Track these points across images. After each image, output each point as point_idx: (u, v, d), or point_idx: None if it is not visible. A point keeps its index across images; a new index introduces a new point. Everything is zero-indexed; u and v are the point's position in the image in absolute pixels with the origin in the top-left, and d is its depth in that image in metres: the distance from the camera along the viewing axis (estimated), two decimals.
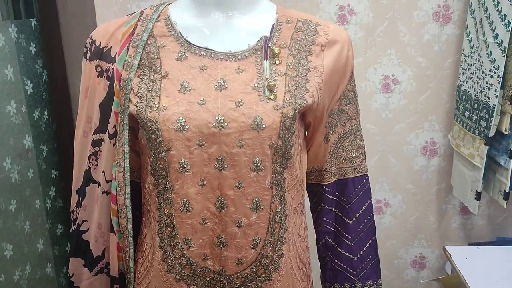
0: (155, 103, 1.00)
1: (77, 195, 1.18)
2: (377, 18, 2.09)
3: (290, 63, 1.04)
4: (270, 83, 0.99)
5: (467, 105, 1.99)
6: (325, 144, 1.17)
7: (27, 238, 1.97)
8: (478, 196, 1.96)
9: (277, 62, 1.04)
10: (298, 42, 1.07)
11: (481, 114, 1.87)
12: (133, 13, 1.13)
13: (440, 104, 2.19)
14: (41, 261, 2.08)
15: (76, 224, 1.17)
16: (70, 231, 1.20)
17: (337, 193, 1.20)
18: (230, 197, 1.01)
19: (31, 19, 2.06)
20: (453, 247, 1.76)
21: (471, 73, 1.96)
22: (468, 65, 1.99)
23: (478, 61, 1.90)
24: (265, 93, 0.99)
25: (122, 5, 2.13)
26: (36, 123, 2.08)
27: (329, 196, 1.20)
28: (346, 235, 1.19)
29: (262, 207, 1.02)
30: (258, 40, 1.05)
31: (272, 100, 0.99)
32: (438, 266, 2.42)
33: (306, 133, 1.14)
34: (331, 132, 1.16)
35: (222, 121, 0.97)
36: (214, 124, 0.98)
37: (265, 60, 1.03)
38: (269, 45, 1.05)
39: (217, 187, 1.00)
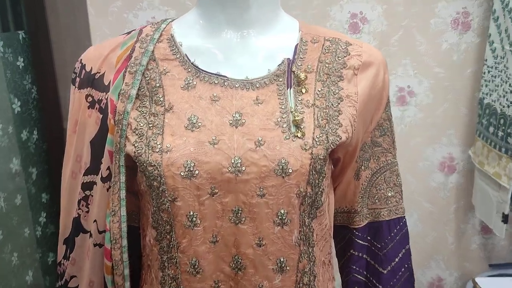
0: (157, 142, 0.81)
1: (64, 245, 0.99)
2: (392, 26, 1.96)
3: (319, 91, 0.86)
4: (296, 117, 0.81)
5: (491, 120, 1.82)
6: (355, 182, 0.98)
7: (14, 270, 1.78)
8: (505, 218, 1.79)
9: (303, 90, 0.85)
10: (326, 65, 0.88)
11: (509, 130, 1.71)
12: (131, 32, 0.94)
13: (459, 117, 2.05)
14: None
15: (64, 280, 0.98)
16: (57, 286, 1.00)
17: (369, 238, 1.01)
18: (248, 257, 0.82)
19: (19, 32, 1.86)
20: (484, 279, 1.58)
21: (495, 86, 1.79)
22: (492, 76, 1.82)
23: (504, 72, 1.73)
24: (290, 129, 0.81)
25: (118, 15, 1.96)
26: (25, 144, 1.89)
27: (360, 242, 1.01)
28: (380, 287, 1.00)
29: (287, 268, 0.83)
30: (280, 64, 0.87)
31: (299, 138, 0.81)
32: None
33: (333, 167, 0.95)
34: (362, 167, 0.98)
35: (239, 165, 0.79)
36: (229, 168, 0.79)
37: (289, 89, 0.85)
38: (293, 69, 0.86)
39: (232, 245, 0.82)
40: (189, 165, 0.79)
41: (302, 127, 0.82)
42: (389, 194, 1.00)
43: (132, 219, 0.94)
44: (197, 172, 0.79)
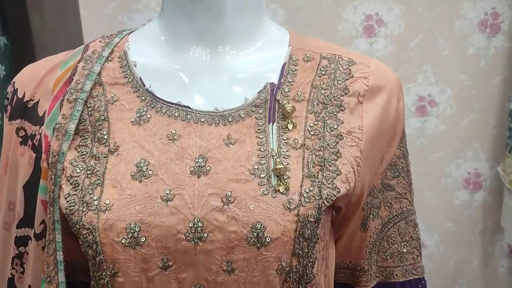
0: (94, 197, 0.61)
1: None
2: (411, 29, 1.78)
3: (311, 126, 0.66)
4: (278, 165, 0.60)
5: None
6: (362, 233, 0.78)
7: None
8: None
9: (290, 126, 0.65)
10: (322, 91, 0.68)
11: None
12: (77, 48, 0.74)
13: (486, 130, 1.88)
14: None
15: None
16: None
17: None
18: None
19: (0, 37, 1.68)
20: None
21: None
22: None
23: None
24: (270, 181, 0.60)
25: (112, 17, 1.84)
26: None
27: None
28: None
29: None
30: (261, 91, 0.67)
31: (281, 193, 0.60)
32: None
33: (334, 213, 0.74)
34: (371, 216, 0.77)
35: (199, 230, 0.59)
36: (186, 234, 0.59)
37: (271, 124, 0.64)
38: (278, 98, 0.66)
39: None
40: (133, 230, 0.59)
41: (285, 177, 0.61)
42: (404, 250, 0.79)
43: (78, 271, 0.74)
44: (143, 239, 0.59)
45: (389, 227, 0.78)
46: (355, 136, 0.67)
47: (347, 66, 0.70)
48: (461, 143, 1.89)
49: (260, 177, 0.61)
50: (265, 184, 0.61)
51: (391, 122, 0.71)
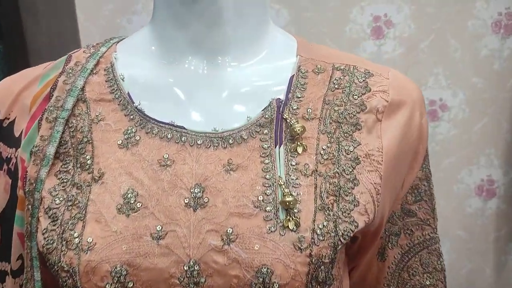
0: (75, 233, 0.53)
1: None
2: (421, 30, 1.71)
3: (324, 149, 0.57)
4: (287, 197, 0.51)
5: None
6: (379, 263, 0.70)
7: None
8: None
9: (300, 149, 0.56)
10: (336, 108, 0.60)
11: None
12: (58, 59, 0.65)
13: (500, 134, 1.81)
14: None
15: None
16: None
17: None
18: None
19: None
20: None
21: None
22: None
23: None
24: (277, 215, 0.52)
25: (109, 19, 1.76)
26: None
27: None
28: None
29: None
30: (266, 108, 0.58)
31: (291, 230, 0.52)
32: None
33: (349, 243, 0.65)
34: (389, 245, 0.69)
35: (196, 274, 0.51)
36: (181, 279, 0.52)
37: (278, 147, 0.55)
38: (285, 116, 0.57)
39: None
40: (119, 274, 0.51)
41: (295, 211, 0.52)
42: (427, 283, 0.70)
43: None
44: (131, 284, 0.51)
45: (409, 256, 0.69)
46: (373, 160, 0.58)
47: (364, 79, 0.62)
48: (473, 149, 1.83)
49: (266, 210, 0.53)
50: (272, 219, 0.52)
51: (414, 141, 0.63)
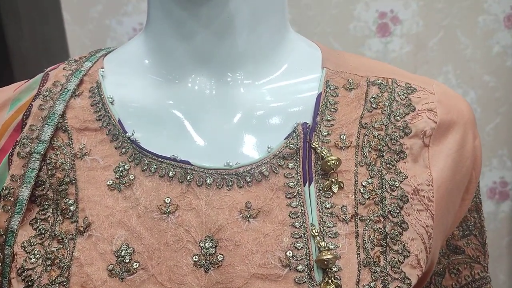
0: None
1: None
2: (430, 27, 1.66)
3: (364, 186, 0.46)
4: (324, 254, 0.40)
5: None
6: None
7: None
8: None
9: (335, 187, 0.45)
10: (376, 133, 0.49)
11: None
12: (32, 79, 0.54)
13: None
14: None
15: None
16: None
17: None
18: None
19: None
20: None
21: None
22: None
23: None
24: (311, 276, 0.41)
25: (98, 21, 1.68)
26: None
27: None
28: None
29: None
30: (289, 136, 0.47)
31: None
32: None
33: None
34: (432, 287, 0.59)
35: None
36: None
37: (306, 185, 0.44)
38: (314, 145, 0.46)
39: None
40: None
41: (335, 270, 0.41)
42: None
43: None
44: None
45: None
46: (423, 196, 0.47)
47: (406, 95, 0.51)
48: (485, 150, 1.75)
49: (297, 270, 0.42)
50: (305, 282, 0.41)
51: (467, 169, 0.52)
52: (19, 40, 1.55)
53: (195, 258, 0.43)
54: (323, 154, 0.46)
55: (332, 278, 0.41)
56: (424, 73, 1.67)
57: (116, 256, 0.43)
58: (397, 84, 0.52)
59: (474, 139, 0.53)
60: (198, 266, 0.42)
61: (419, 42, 1.65)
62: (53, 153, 0.48)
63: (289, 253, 0.42)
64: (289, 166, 0.46)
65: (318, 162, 0.46)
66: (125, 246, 0.43)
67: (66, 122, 0.50)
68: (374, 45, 1.61)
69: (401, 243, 0.45)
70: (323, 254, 0.41)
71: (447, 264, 0.58)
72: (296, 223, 0.44)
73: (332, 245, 0.43)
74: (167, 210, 0.44)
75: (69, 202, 0.46)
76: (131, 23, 1.65)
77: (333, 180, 0.45)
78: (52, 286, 0.43)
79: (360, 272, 0.43)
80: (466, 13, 1.63)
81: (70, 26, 1.65)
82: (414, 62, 1.67)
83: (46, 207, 0.47)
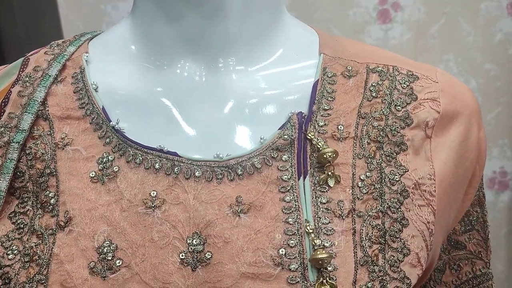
0: None
1: None
2: (431, 14, 1.63)
3: (362, 180, 0.44)
4: (319, 253, 0.38)
5: None
6: None
7: None
8: None
9: (332, 181, 0.42)
10: (375, 123, 0.46)
11: None
12: (11, 64, 0.51)
13: None
14: None
15: None
16: None
17: None
18: None
19: None
20: None
21: None
22: None
23: None
24: (305, 275, 0.39)
25: (93, 6, 1.66)
26: None
27: None
28: None
29: None
30: (283, 126, 0.44)
31: None
32: None
33: None
34: (431, 283, 0.57)
35: None
36: None
37: (301, 178, 0.41)
38: (310, 136, 0.43)
39: None
40: None
41: (330, 269, 0.38)
42: None
43: None
44: None
45: None
46: (424, 191, 0.45)
47: (408, 83, 0.48)
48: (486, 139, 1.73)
49: (290, 269, 0.39)
50: (298, 282, 0.38)
51: (471, 163, 0.49)
52: (12, 26, 1.52)
53: (182, 255, 0.40)
54: (319, 146, 0.43)
55: (327, 278, 0.39)
56: (424, 61, 1.63)
57: (98, 253, 0.40)
58: (398, 71, 0.49)
59: (478, 130, 0.50)
60: (185, 264, 0.40)
61: (420, 29, 1.64)
62: (33, 143, 0.45)
63: (282, 251, 0.40)
64: (283, 158, 0.43)
65: (314, 154, 0.43)
66: (107, 242, 0.41)
67: (47, 110, 0.47)
68: (374, 32, 1.60)
69: (400, 241, 0.42)
70: (318, 252, 0.39)
71: (448, 260, 0.56)
72: (290, 219, 0.41)
73: (327, 242, 0.40)
74: (152, 204, 0.42)
75: (50, 195, 0.43)
76: (127, 8, 1.62)
77: (330, 173, 0.42)
78: (30, 284, 0.40)
79: (357, 271, 0.40)
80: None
81: (64, 11, 1.63)
82: (415, 49, 1.65)
83: (26, 199, 0.44)
